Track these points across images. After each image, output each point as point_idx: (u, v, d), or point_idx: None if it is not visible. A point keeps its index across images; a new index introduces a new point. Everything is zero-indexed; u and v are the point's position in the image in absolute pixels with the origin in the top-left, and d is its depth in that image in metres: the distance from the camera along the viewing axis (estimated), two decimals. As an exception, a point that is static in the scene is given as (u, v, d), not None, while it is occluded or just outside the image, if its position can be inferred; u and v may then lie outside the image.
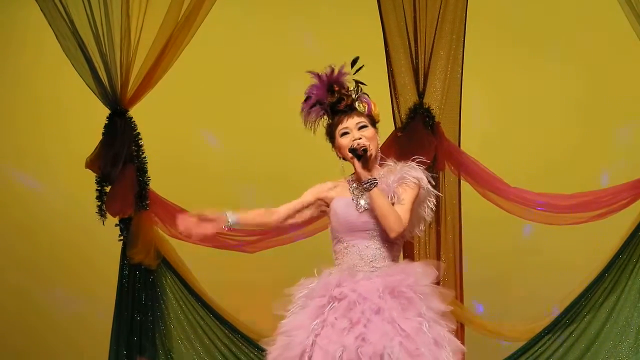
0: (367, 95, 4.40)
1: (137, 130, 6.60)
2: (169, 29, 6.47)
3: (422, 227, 4.42)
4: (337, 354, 4.06)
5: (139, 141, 6.60)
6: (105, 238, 6.61)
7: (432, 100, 6.44)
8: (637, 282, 6.26)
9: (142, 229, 6.55)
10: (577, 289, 6.36)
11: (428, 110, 6.42)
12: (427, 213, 4.42)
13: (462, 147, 6.46)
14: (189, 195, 6.69)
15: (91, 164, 6.52)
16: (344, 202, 4.31)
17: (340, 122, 4.35)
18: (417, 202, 4.36)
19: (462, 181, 6.48)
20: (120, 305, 6.52)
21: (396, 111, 6.45)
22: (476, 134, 6.67)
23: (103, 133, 6.53)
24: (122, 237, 6.55)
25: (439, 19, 6.41)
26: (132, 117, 6.56)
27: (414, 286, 4.19)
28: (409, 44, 6.43)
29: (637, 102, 6.72)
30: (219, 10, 6.47)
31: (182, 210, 6.50)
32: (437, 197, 4.53)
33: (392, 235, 4.18)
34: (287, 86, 6.87)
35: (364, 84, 4.41)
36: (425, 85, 6.44)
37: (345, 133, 4.33)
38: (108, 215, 6.56)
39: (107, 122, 6.56)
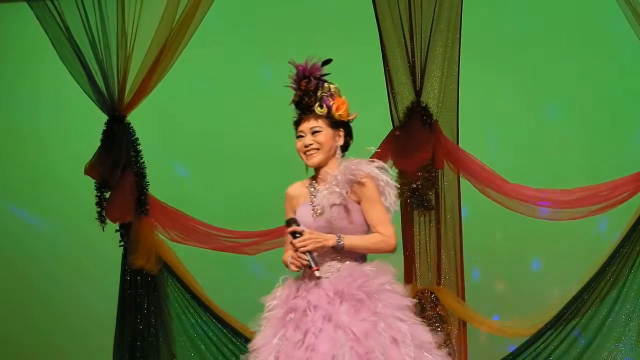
0: (332, 95, 4.37)
1: (136, 136, 6.62)
2: (164, 33, 6.52)
3: (389, 216, 4.35)
4: None
5: (138, 146, 6.63)
6: (106, 244, 6.66)
7: (430, 98, 6.44)
8: (638, 275, 6.26)
9: (142, 234, 6.58)
10: (578, 283, 6.34)
11: (425, 108, 6.43)
12: (390, 203, 4.37)
13: (460, 145, 6.47)
14: (188, 200, 6.79)
15: (90, 170, 6.57)
16: (303, 209, 4.33)
17: (299, 122, 4.37)
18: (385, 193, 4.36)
19: (461, 179, 6.46)
20: (123, 311, 6.57)
21: (394, 110, 6.47)
22: (475, 131, 6.66)
23: (101, 139, 6.60)
24: (122, 243, 6.59)
25: (435, 16, 6.41)
26: (130, 123, 6.61)
27: (364, 287, 4.17)
28: (405, 42, 6.43)
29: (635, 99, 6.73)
30: (215, 14, 6.50)
31: (181, 215, 6.67)
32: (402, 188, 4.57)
33: (393, 252, 4.25)
34: (283, 86, 6.97)
35: (328, 82, 4.39)
36: (422, 84, 6.45)
37: (300, 136, 4.35)
38: (108, 221, 6.56)
39: (105, 128, 6.59)
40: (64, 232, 7.36)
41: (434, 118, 6.45)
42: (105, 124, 6.58)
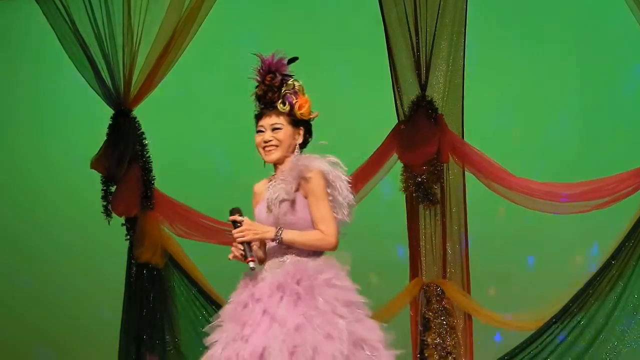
0: (296, 93, 4.39)
1: (142, 130, 6.70)
2: (170, 28, 6.62)
3: (345, 211, 4.36)
4: None
5: (144, 140, 6.71)
6: (112, 238, 6.76)
7: (435, 92, 6.48)
8: None
9: (148, 228, 6.65)
10: (584, 276, 6.37)
11: (431, 102, 6.47)
12: (344, 197, 4.38)
13: (465, 139, 6.51)
14: (194, 194, 6.85)
15: (96, 163, 6.65)
16: (260, 206, 4.38)
17: (260, 117, 4.39)
18: (330, 189, 4.38)
19: (466, 172, 6.50)
20: (129, 304, 6.66)
21: (399, 104, 6.52)
22: (480, 125, 6.69)
23: (107, 133, 6.70)
24: (128, 237, 6.68)
25: (440, 11, 6.43)
26: (136, 117, 6.69)
27: (305, 281, 4.22)
28: (410, 36, 6.47)
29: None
30: (221, 8, 6.56)
31: (187, 209, 6.73)
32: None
33: (334, 250, 4.28)
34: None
35: (293, 79, 4.39)
36: (427, 78, 6.49)
37: (260, 131, 4.38)
38: (114, 215, 6.66)
39: (111, 122, 6.70)
40: (67, 226, 7.38)
41: (439, 112, 6.49)
42: (111, 118, 6.67)
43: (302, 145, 4.39)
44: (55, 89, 7.50)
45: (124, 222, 6.70)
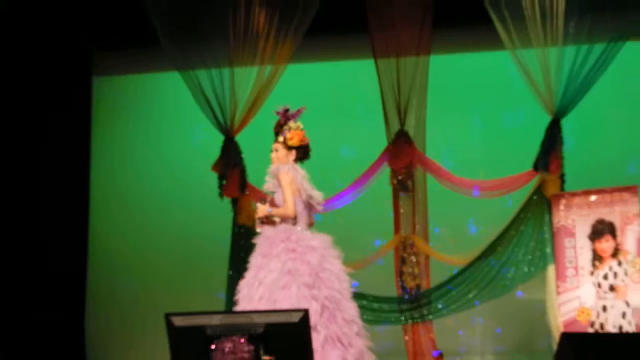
0: (290, 129, 5.45)
1: (240, 148, 8.40)
2: (257, 89, 8.36)
3: (304, 195, 5.22)
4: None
5: (241, 154, 8.42)
6: (222, 210, 8.44)
7: (409, 127, 8.24)
8: (528, 230, 7.98)
9: (244, 205, 8.35)
10: (494, 234, 8.13)
11: (407, 133, 8.25)
12: (300, 186, 5.33)
13: (427, 154, 8.23)
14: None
15: (215, 167, 8.43)
16: None
17: (273, 143, 5.62)
18: (298, 182, 5.30)
19: (427, 174, 8.26)
20: (234, 248, 8.36)
21: (388, 134, 8.27)
22: (435, 146, 8.42)
23: (221, 150, 8.40)
24: (233, 210, 8.38)
25: (412, 79, 8.24)
26: (237, 141, 8.40)
27: (271, 240, 5.26)
28: (395, 93, 8.25)
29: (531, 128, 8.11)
30: (285, 81, 8.31)
31: (266, 196, 7.51)
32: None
33: (292, 218, 5.36)
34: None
35: (292, 121, 5.36)
36: (405, 119, 8.23)
37: (271, 151, 5.70)
38: (224, 197, 8.35)
39: (222, 144, 8.42)
40: (193, 208, 9.16)
41: (412, 139, 8.23)
42: (223, 142, 8.39)
43: (298, 160, 5.50)
44: (185, 125, 9.25)
45: (230, 201, 8.27)
